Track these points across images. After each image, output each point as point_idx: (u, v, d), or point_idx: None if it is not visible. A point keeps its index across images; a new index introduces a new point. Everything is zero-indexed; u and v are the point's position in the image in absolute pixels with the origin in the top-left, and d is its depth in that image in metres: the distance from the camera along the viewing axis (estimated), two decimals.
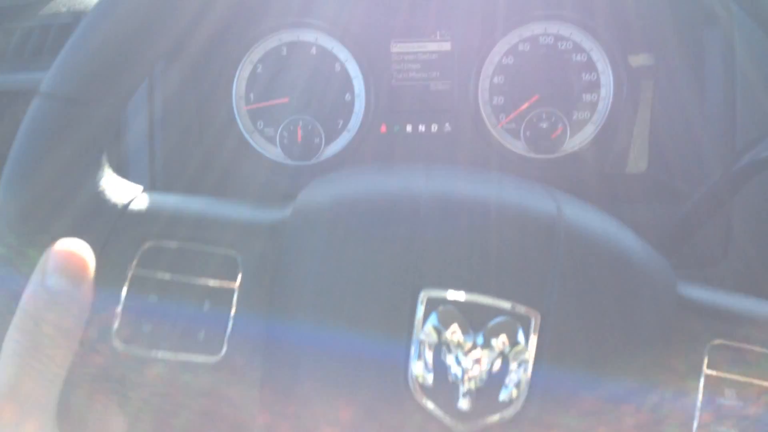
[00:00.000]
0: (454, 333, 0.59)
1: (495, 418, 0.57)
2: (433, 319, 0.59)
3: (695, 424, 0.61)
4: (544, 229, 0.65)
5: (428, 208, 0.66)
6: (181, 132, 1.57)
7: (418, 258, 0.64)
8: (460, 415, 0.57)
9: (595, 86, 1.66)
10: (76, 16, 1.45)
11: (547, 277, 0.63)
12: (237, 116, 1.69)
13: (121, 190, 0.67)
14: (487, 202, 0.68)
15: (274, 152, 1.71)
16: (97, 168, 0.64)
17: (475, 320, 0.60)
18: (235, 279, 0.64)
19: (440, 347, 0.59)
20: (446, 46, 1.67)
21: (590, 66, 1.65)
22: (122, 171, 1.48)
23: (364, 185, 0.71)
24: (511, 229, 0.66)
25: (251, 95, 1.69)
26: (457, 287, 0.62)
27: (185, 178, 1.61)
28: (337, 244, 0.66)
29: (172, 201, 0.68)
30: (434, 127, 1.69)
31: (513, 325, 0.59)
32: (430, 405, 0.58)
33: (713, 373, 0.61)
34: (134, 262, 0.62)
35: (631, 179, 1.71)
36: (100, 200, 0.64)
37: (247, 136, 1.70)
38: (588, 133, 1.67)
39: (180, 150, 1.58)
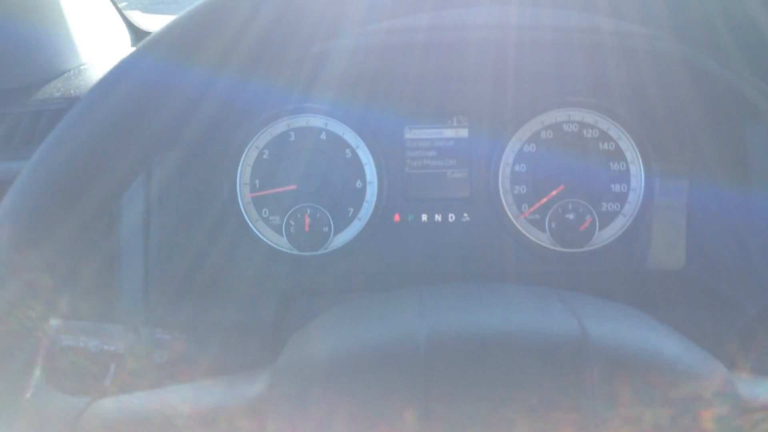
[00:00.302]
0: None
1: None
2: None
3: None
4: (568, 359, 0.53)
5: (431, 353, 0.52)
6: (179, 220, 1.47)
7: (427, 415, 0.50)
8: None
9: (624, 176, 1.54)
10: (70, 101, 1.38)
11: (583, 414, 0.48)
12: (241, 204, 1.59)
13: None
14: (497, 335, 0.55)
15: (279, 242, 1.59)
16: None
17: None
18: None
19: None
20: (463, 132, 1.58)
21: (618, 155, 1.55)
22: (114, 261, 1.38)
23: (354, 336, 0.58)
24: (528, 366, 0.53)
25: (256, 182, 1.60)
26: None
27: (183, 267, 1.50)
28: (332, 417, 0.53)
29: (128, 408, 0.55)
30: (451, 217, 1.58)
31: None
32: None
33: None
34: None
35: (667, 277, 1.56)
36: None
37: (251, 224, 1.60)
38: (618, 225, 1.54)
39: (177, 238, 1.48)
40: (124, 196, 1.35)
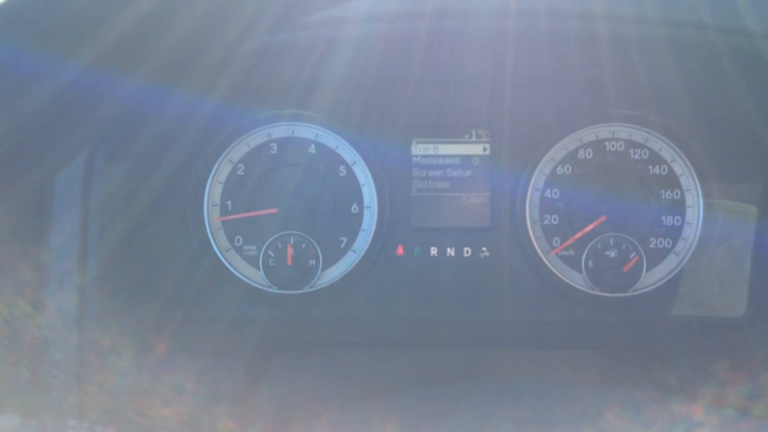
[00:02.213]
0: None
1: None
2: None
3: None
4: None
5: None
6: (124, 251, 1.17)
7: None
8: None
9: (678, 207, 1.28)
10: None
11: None
12: (208, 229, 1.30)
13: None
14: None
15: (255, 277, 1.31)
16: None
17: None
18: None
19: None
20: (484, 149, 1.31)
21: (672, 181, 1.29)
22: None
23: None
24: None
25: (228, 203, 1.32)
26: None
27: (131, 310, 1.19)
28: None
29: None
30: (467, 251, 1.30)
31: None
32: None
33: None
34: None
35: (723, 325, 1.31)
36: None
37: (220, 255, 1.31)
38: (670, 266, 1.28)
39: (121, 276, 1.18)
40: (55, 212, 1.08)
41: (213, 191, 1.31)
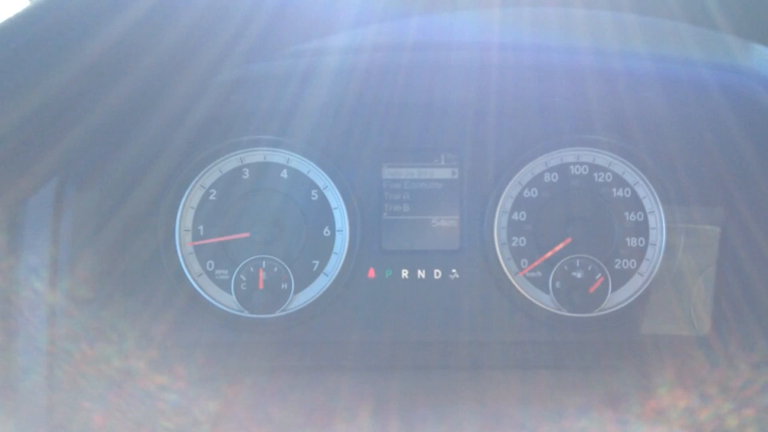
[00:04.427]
0: None
1: None
2: None
3: None
4: None
5: None
6: (94, 278, 1.17)
7: None
8: None
9: (642, 229, 1.31)
10: None
11: None
12: (180, 254, 1.31)
13: None
14: None
15: (227, 301, 1.31)
16: None
17: None
18: None
19: None
20: (452, 173, 1.33)
21: (636, 204, 1.32)
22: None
23: None
24: None
25: (200, 228, 1.32)
26: None
27: (108, 333, 1.19)
28: None
29: None
30: (437, 273, 1.32)
31: None
32: None
33: None
34: None
35: (687, 344, 1.33)
36: None
37: (191, 280, 1.31)
38: (635, 286, 1.31)
39: (96, 299, 1.18)
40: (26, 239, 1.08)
41: (185, 216, 1.31)
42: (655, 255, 1.30)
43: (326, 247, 1.32)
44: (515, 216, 1.32)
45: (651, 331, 1.32)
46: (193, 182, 1.31)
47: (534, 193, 1.32)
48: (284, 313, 1.30)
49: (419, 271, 1.32)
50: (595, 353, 1.30)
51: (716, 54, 1.14)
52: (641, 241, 1.31)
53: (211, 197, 1.32)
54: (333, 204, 1.33)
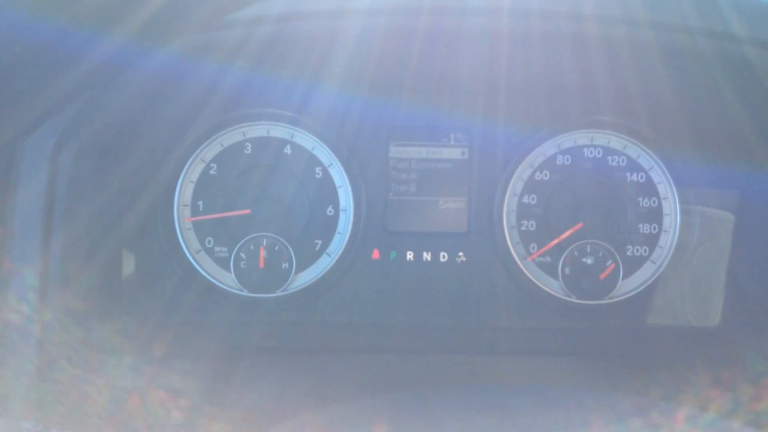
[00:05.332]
0: None
1: None
2: None
3: None
4: None
5: None
6: (92, 247, 1.13)
7: None
8: None
9: (656, 215, 1.28)
10: None
11: None
12: (178, 230, 1.26)
13: None
14: None
15: (226, 279, 1.27)
16: None
17: None
18: None
19: None
20: (462, 153, 1.29)
21: (650, 189, 1.28)
22: None
23: None
24: None
25: (200, 204, 1.28)
26: None
27: (100, 308, 1.15)
28: None
29: None
30: (443, 256, 1.28)
31: None
32: None
33: None
34: None
35: (697, 336, 1.30)
36: None
37: (189, 256, 1.27)
38: (646, 274, 1.28)
39: (90, 271, 1.13)
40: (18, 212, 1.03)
41: (184, 191, 1.27)
42: (668, 242, 1.27)
43: (329, 227, 1.28)
44: (525, 199, 1.28)
45: (661, 321, 1.28)
46: (194, 156, 1.26)
47: (546, 175, 1.28)
48: (285, 293, 1.26)
49: (425, 254, 1.28)
50: (603, 341, 1.27)
51: (734, 26, 1.10)
52: (654, 228, 1.27)
53: (212, 172, 1.27)
54: (337, 182, 1.28)
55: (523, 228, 1.28)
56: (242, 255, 1.26)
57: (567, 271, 1.26)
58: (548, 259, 1.28)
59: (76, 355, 1.05)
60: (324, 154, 1.28)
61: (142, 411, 1.01)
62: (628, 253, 1.27)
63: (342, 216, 1.28)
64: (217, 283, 1.27)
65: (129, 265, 1.25)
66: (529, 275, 1.27)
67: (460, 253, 1.28)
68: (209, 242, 1.28)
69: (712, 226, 1.27)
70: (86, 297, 1.14)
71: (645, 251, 1.28)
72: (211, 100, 1.23)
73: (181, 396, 1.07)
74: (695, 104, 1.23)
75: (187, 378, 1.13)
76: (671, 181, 1.26)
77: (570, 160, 1.28)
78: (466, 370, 1.22)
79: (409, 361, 1.22)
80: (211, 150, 1.27)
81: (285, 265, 1.26)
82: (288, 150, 1.29)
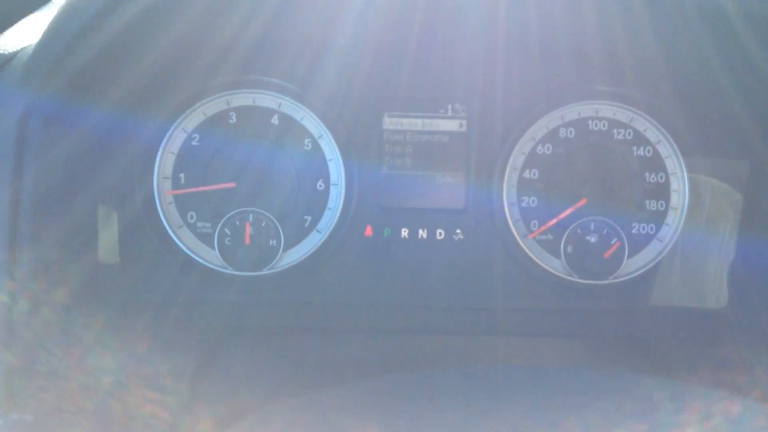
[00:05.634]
0: None
1: None
2: None
3: None
4: None
5: None
6: (64, 222, 1.05)
7: None
8: None
9: (663, 191, 1.22)
10: None
11: None
12: (158, 204, 1.19)
13: None
14: None
15: (209, 257, 1.20)
16: None
17: None
18: None
19: None
20: (460, 125, 1.22)
21: (657, 164, 1.22)
22: None
23: None
24: None
25: (181, 176, 1.21)
26: None
27: (72, 284, 1.08)
28: None
29: None
30: (440, 234, 1.22)
31: None
32: None
33: None
34: None
35: (704, 317, 1.25)
36: None
37: (170, 232, 1.20)
38: (652, 253, 1.22)
39: (63, 250, 1.06)
40: None
41: (164, 162, 1.20)
42: (675, 220, 1.21)
43: (320, 202, 1.22)
44: (526, 174, 1.22)
45: (667, 302, 1.23)
46: (174, 125, 1.19)
47: (548, 149, 1.22)
48: (272, 271, 1.20)
49: (420, 231, 1.22)
50: (606, 323, 1.22)
51: None
52: (661, 205, 1.22)
53: (194, 143, 1.20)
54: (328, 155, 1.22)
55: (523, 204, 1.22)
56: (227, 231, 1.19)
57: (569, 249, 1.20)
58: (550, 236, 1.22)
59: (53, 344, 0.99)
60: (313, 125, 1.21)
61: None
62: (634, 231, 1.22)
63: (333, 191, 1.22)
64: (199, 260, 1.20)
65: (106, 242, 1.18)
66: (529, 254, 1.21)
67: (458, 231, 1.22)
68: (191, 217, 1.21)
69: (721, 203, 1.21)
70: (59, 277, 1.07)
71: (651, 229, 1.22)
72: (192, 64, 1.15)
73: (163, 386, 1.01)
74: (703, 73, 1.17)
75: (167, 365, 1.07)
76: (680, 156, 1.21)
77: (574, 133, 1.22)
78: (462, 352, 1.17)
79: (402, 342, 1.16)
80: (193, 119, 1.20)
81: (272, 242, 1.20)
82: (275, 120, 1.21)
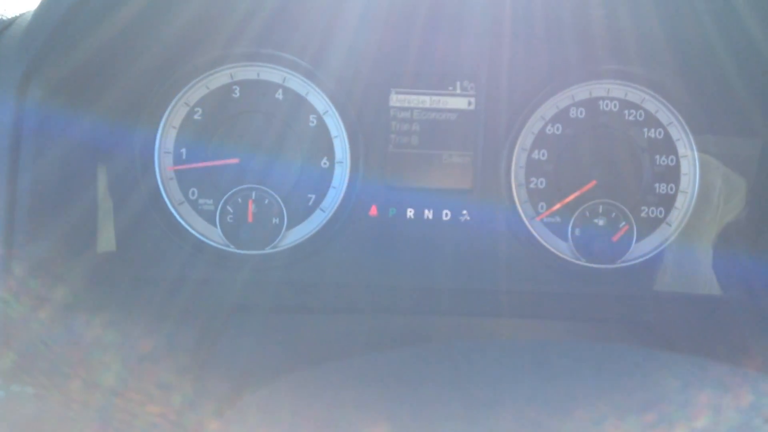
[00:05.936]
0: None
1: None
2: None
3: None
4: None
5: None
6: (64, 196, 1.02)
7: None
8: None
9: (673, 174, 1.20)
10: None
11: None
12: (159, 179, 1.17)
13: None
14: None
15: (211, 234, 1.18)
16: None
17: None
18: None
19: None
20: (469, 103, 1.20)
21: (668, 146, 1.20)
22: None
23: None
24: None
25: (182, 151, 1.18)
26: None
27: (73, 259, 1.05)
28: None
29: None
30: (446, 214, 1.20)
31: None
32: None
33: None
34: None
35: (710, 303, 1.24)
36: None
37: (171, 208, 1.17)
38: (662, 237, 1.20)
39: (61, 222, 1.03)
40: None
41: (166, 137, 1.17)
42: (685, 203, 1.19)
43: (324, 180, 1.19)
44: (535, 155, 1.20)
45: (675, 287, 1.22)
46: (176, 99, 1.16)
47: (557, 129, 1.19)
48: (275, 250, 1.17)
49: (426, 211, 1.20)
50: (613, 307, 1.20)
51: None
52: (671, 188, 1.20)
53: (196, 117, 1.17)
54: (333, 132, 1.19)
55: (531, 186, 1.20)
56: (229, 208, 1.17)
57: (577, 232, 1.18)
58: (558, 219, 1.20)
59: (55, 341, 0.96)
60: (319, 100, 1.18)
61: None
62: (643, 214, 1.20)
63: (338, 169, 1.19)
64: (201, 237, 1.18)
65: (105, 219, 1.16)
66: (537, 236, 1.19)
67: (464, 212, 1.20)
68: (193, 194, 1.18)
69: (732, 186, 1.19)
70: (57, 254, 1.04)
71: (660, 213, 1.20)
72: (195, 36, 1.12)
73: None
74: (716, 51, 1.15)
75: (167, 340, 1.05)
76: (690, 138, 1.18)
77: (584, 114, 1.19)
78: (465, 332, 1.15)
79: (406, 323, 1.14)
80: (195, 93, 1.17)
81: (275, 221, 1.17)
82: (279, 95, 1.18)
